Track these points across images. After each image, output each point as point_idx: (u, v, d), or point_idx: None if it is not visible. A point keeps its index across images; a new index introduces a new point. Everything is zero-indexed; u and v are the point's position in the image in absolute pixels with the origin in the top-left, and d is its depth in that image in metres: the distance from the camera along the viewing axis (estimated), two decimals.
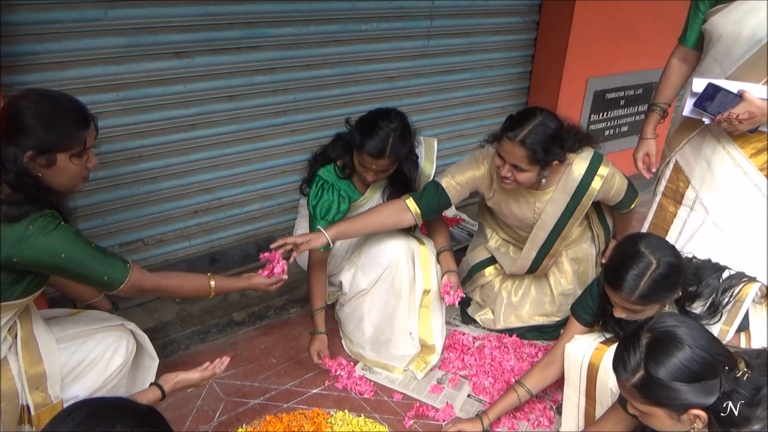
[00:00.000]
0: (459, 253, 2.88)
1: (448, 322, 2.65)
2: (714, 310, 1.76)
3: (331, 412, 2.14)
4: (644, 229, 2.36)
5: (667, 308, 1.80)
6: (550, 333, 2.60)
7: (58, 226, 1.43)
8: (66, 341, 1.66)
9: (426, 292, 2.36)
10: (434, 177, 2.37)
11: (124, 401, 1.09)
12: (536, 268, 2.49)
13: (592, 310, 1.99)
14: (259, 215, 2.88)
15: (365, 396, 2.27)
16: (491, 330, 2.66)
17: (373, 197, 2.37)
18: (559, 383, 2.07)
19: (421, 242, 2.39)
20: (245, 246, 2.87)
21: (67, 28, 2.13)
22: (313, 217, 2.25)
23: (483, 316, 2.67)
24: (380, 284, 2.31)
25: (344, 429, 2.07)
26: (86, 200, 2.38)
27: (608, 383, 1.84)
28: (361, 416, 2.15)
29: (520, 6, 3.33)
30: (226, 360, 1.69)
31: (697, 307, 1.78)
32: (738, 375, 1.31)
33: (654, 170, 2.30)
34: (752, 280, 1.80)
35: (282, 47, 2.60)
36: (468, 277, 2.68)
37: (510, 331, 2.62)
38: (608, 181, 2.23)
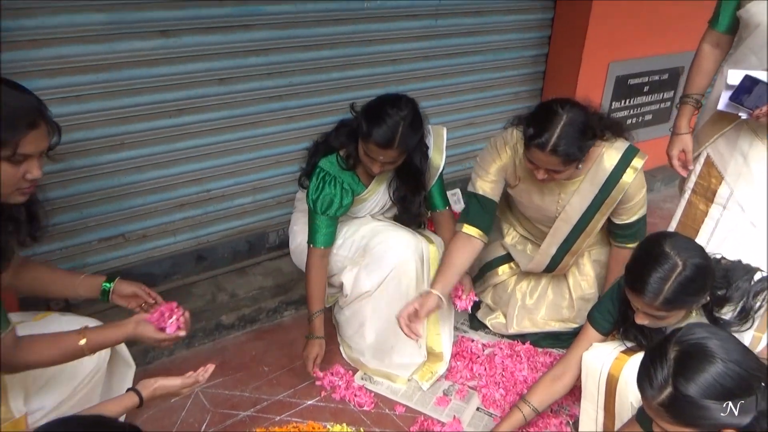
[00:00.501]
0: None
1: (455, 328, 2.64)
2: (745, 315, 1.75)
3: (328, 426, 2.13)
4: (671, 229, 2.35)
5: (693, 314, 1.79)
6: (567, 341, 2.56)
7: None
8: None
9: None
10: (467, 187, 2.37)
11: (102, 420, 1.07)
12: (555, 267, 2.48)
13: (612, 317, 1.99)
14: (251, 209, 2.86)
15: (365, 408, 2.26)
16: (503, 336, 2.65)
17: (378, 190, 2.37)
18: (575, 395, 2.07)
19: (430, 241, 2.39)
20: (235, 243, 2.86)
21: (42, 3, 2.10)
22: (313, 211, 2.25)
23: (494, 320, 2.67)
24: (385, 286, 2.31)
25: None
26: (62, 191, 2.36)
27: (629, 397, 1.83)
28: (360, 430, 2.14)
29: None
30: (211, 368, 1.64)
31: (727, 313, 1.77)
32: None
33: (691, 167, 2.29)
34: None
35: (277, 26, 2.58)
36: (479, 276, 2.67)
37: (523, 338, 2.62)
38: (639, 179, 2.21)
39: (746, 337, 1.76)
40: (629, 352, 1.90)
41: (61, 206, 2.38)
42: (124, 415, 1.55)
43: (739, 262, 1.84)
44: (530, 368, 2.49)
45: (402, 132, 2.08)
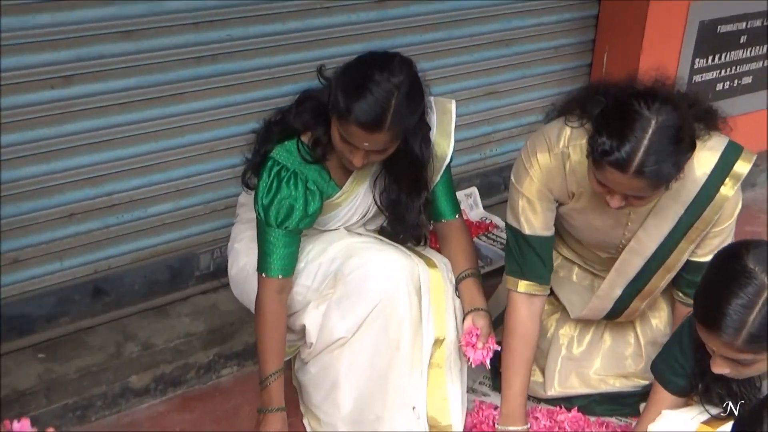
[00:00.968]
0: (490, 279, 2.87)
1: (471, 389, 2.63)
2: None
3: None
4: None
5: None
6: (633, 406, 2.58)
7: None
8: None
9: (439, 342, 2.36)
10: (506, 219, 2.42)
11: None
12: (619, 314, 2.49)
13: (684, 368, 1.99)
14: (173, 220, 2.86)
15: None
16: (539, 401, 2.65)
17: (357, 192, 2.37)
18: None
19: (432, 264, 2.39)
20: (150, 269, 2.85)
21: None
22: (264, 223, 2.25)
23: None
24: (367, 330, 2.30)
25: None
26: None
27: None
28: None
29: None
30: None
31: None
32: None
33: None
34: None
35: None
36: (503, 314, 2.64)
37: (569, 402, 2.62)
38: (738, 195, 2.22)
39: None
40: (713, 423, 1.92)
41: None
42: None
43: None
44: None
45: (395, 107, 2.08)
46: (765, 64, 3.98)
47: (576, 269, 2.58)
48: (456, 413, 2.42)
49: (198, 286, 2.96)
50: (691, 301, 2.28)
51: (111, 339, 2.71)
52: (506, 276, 2.44)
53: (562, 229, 2.52)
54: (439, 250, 2.53)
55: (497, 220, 3.47)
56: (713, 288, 1.76)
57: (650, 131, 1.95)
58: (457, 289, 2.44)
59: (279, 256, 2.25)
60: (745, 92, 3.97)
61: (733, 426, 1.43)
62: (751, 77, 3.97)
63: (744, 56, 3.90)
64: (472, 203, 3.51)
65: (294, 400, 2.56)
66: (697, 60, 3.73)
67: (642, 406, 2.36)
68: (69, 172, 2.60)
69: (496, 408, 2.60)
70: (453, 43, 3.27)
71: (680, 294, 2.43)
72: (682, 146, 2.00)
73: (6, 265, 2.58)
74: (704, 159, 2.18)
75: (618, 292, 2.43)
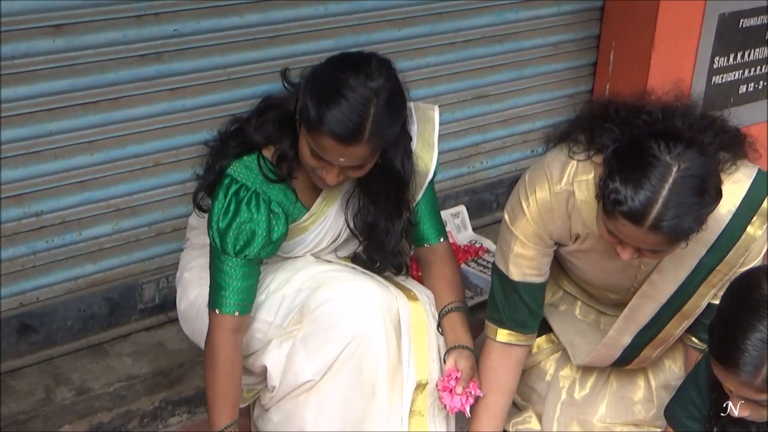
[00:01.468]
0: (480, 312, 2.88)
1: None
2: None
3: None
4: None
5: None
6: None
7: None
8: None
9: (421, 386, 2.36)
10: (494, 261, 2.43)
11: None
12: (628, 362, 2.49)
13: (701, 411, 2.02)
14: (112, 245, 2.85)
15: None
16: None
17: (326, 213, 2.38)
18: None
19: (412, 296, 2.40)
20: (86, 302, 2.84)
21: None
22: (220, 251, 2.24)
23: (522, 426, 2.68)
24: (337, 373, 2.31)
25: None
26: None
27: None
28: None
29: None
30: None
31: None
32: None
33: None
34: None
35: None
36: None
37: None
38: (766, 234, 2.22)
39: None
40: None
41: None
42: None
43: None
44: None
45: (375, 116, 2.08)
46: None
47: (579, 303, 2.60)
48: None
49: (141, 322, 2.96)
50: (704, 344, 2.31)
51: (40, 383, 2.70)
52: (486, 321, 2.46)
53: (563, 265, 2.53)
54: (420, 280, 2.53)
55: (488, 244, 3.47)
56: (730, 321, 1.77)
57: (671, 180, 1.92)
58: (439, 324, 2.44)
59: (236, 289, 2.24)
60: None
61: None
62: None
63: None
64: (459, 224, 3.51)
65: None
66: (716, 59, 3.76)
67: None
68: None
69: None
70: (437, 39, 3.29)
71: (694, 340, 2.43)
72: (706, 198, 1.97)
73: None
74: (729, 194, 2.13)
75: (627, 340, 2.43)
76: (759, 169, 2.23)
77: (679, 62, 3.60)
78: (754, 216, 2.21)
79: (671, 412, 2.08)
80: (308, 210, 2.35)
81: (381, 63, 2.15)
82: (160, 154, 2.84)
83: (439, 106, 2.49)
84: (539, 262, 2.35)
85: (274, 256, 2.39)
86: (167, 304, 2.93)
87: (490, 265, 3.29)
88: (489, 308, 2.45)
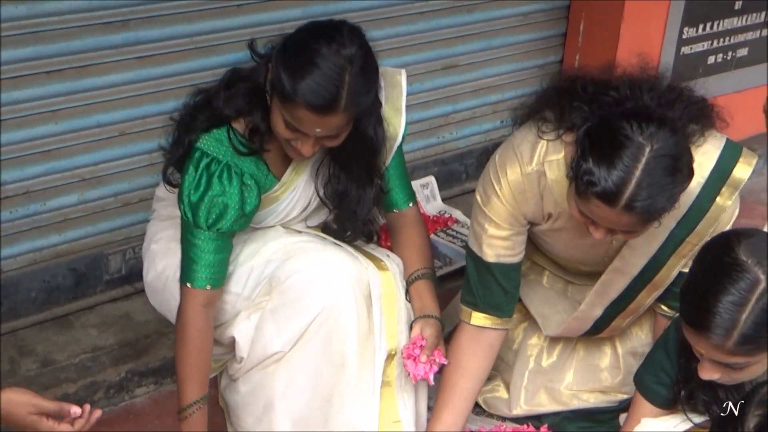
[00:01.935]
0: (448, 282, 2.90)
1: (429, 408, 2.61)
2: None
3: None
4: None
5: None
6: (609, 423, 2.62)
7: None
8: None
9: (391, 356, 2.38)
10: (467, 243, 2.43)
11: None
12: (599, 332, 2.52)
13: (669, 376, 2.03)
14: (77, 215, 2.85)
15: None
16: (504, 419, 2.69)
17: (296, 183, 2.37)
18: None
19: (383, 267, 2.41)
20: (51, 273, 2.84)
21: None
22: (192, 225, 2.23)
23: (489, 395, 2.71)
24: (306, 344, 2.31)
25: None
26: None
27: None
28: None
29: None
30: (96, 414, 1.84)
31: None
32: None
33: None
34: None
35: None
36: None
37: (538, 420, 2.66)
38: (737, 202, 2.24)
39: None
40: None
41: None
42: None
43: None
44: None
45: (350, 84, 2.07)
46: (763, 33, 4.03)
47: (547, 273, 2.62)
48: None
49: (107, 293, 2.96)
50: (673, 312, 2.33)
51: (4, 354, 2.69)
52: (461, 305, 2.46)
53: (534, 241, 2.54)
54: (390, 248, 2.54)
55: (457, 214, 3.49)
56: (701, 284, 1.79)
57: (643, 161, 1.94)
58: (407, 292, 2.45)
59: (207, 263, 2.24)
60: (740, 66, 4.03)
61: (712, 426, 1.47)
62: (747, 49, 4.03)
63: (739, 25, 3.95)
64: (428, 194, 3.52)
65: (220, 422, 2.55)
66: (685, 29, 3.77)
67: (623, 417, 2.40)
68: None
69: None
70: (405, 8, 3.29)
71: (664, 308, 2.46)
72: (678, 177, 1.99)
73: None
74: (698, 166, 2.12)
75: (599, 312, 2.46)
76: (727, 139, 2.25)
77: (648, 33, 3.61)
78: (723, 187, 2.22)
79: (640, 378, 2.11)
80: (279, 181, 2.34)
81: (352, 31, 2.14)
82: (127, 124, 2.83)
83: (409, 76, 2.48)
84: (513, 242, 2.35)
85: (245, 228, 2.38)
86: (133, 275, 2.92)
87: (459, 236, 3.33)
88: (463, 292, 2.46)
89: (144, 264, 2.56)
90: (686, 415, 2.00)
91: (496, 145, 3.25)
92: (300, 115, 2.08)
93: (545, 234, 2.41)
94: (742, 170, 2.22)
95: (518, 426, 2.66)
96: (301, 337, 2.31)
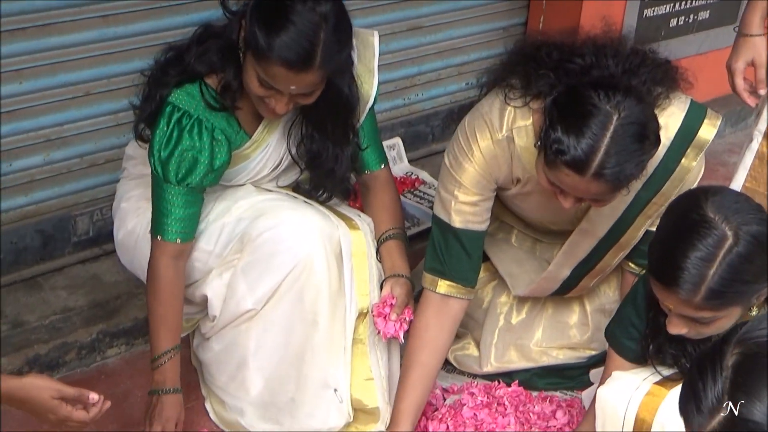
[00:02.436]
0: (417, 242, 2.92)
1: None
2: None
3: None
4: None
5: (754, 313, 1.89)
6: (578, 379, 2.68)
7: None
8: None
9: (363, 315, 2.40)
10: (433, 206, 2.43)
11: None
12: (567, 291, 2.57)
13: (638, 330, 2.07)
14: (43, 176, 2.83)
15: None
16: (475, 376, 2.72)
17: (267, 141, 2.38)
18: None
19: (353, 225, 2.42)
20: (17, 235, 2.82)
21: None
22: (162, 179, 2.24)
23: (460, 352, 2.75)
24: (278, 302, 2.33)
25: None
26: None
27: None
28: None
29: None
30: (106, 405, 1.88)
31: None
32: None
33: (763, 92, 2.39)
34: None
35: None
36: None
37: (509, 377, 2.69)
38: (703, 161, 2.26)
39: None
40: (667, 383, 2.00)
41: None
42: None
43: None
44: (519, 423, 2.55)
45: (325, 41, 2.08)
46: None
47: (515, 232, 2.66)
48: (382, 394, 2.46)
49: (75, 255, 2.94)
50: (641, 269, 2.36)
51: None
52: (425, 273, 2.46)
53: (504, 203, 2.57)
54: (361, 209, 2.56)
55: (424, 176, 3.50)
56: (669, 240, 1.81)
57: (611, 129, 1.97)
58: (378, 251, 2.47)
59: (178, 217, 2.25)
60: (702, 29, 4.06)
61: (691, 364, 1.50)
62: (708, 12, 4.05)
63: None
64: (395, 156, 3.52)
65: (193, 382, 2.57)
66: None
67: (592, 373, 2.45)
68: None
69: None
70: None
71: (631, 265, 2.50)
72: (646, 144, 2.03)
73: None
74: (663, 128, 2.14)
75: (567, 272, 2.50)
76: (692, 101, 2.28)
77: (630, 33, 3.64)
78: (688, 148, 2.25)
79: (611, 332, 2.14)
80: (250, 137, 2.35)
81: None
82: (92, 83, 2.80)
83: None
84: (481, 208, 2.37)
85: (215, 185, 2.39)
86: (102, 236, 2.92)
87: (426, 197, 3.34)
88: (428, 259, 2.44)
89: (114, 222, 2.57)
90: (655, 368, 2.04)
91: (461, 107, 3.29)
92: (275, 71, 2.08)
93: (515, 197, 2.44)
94: (707, 131, 2.26)
95: (489, 383, 2.69)
96: (273, 294, 2.33)
